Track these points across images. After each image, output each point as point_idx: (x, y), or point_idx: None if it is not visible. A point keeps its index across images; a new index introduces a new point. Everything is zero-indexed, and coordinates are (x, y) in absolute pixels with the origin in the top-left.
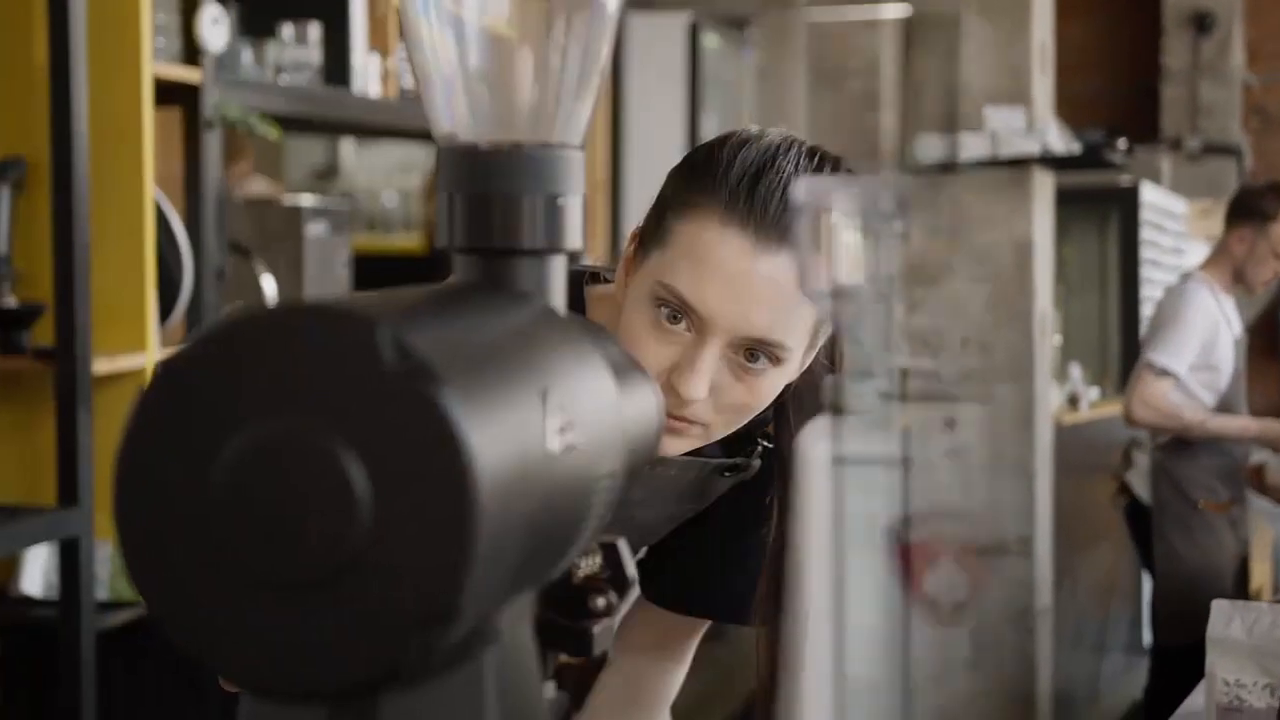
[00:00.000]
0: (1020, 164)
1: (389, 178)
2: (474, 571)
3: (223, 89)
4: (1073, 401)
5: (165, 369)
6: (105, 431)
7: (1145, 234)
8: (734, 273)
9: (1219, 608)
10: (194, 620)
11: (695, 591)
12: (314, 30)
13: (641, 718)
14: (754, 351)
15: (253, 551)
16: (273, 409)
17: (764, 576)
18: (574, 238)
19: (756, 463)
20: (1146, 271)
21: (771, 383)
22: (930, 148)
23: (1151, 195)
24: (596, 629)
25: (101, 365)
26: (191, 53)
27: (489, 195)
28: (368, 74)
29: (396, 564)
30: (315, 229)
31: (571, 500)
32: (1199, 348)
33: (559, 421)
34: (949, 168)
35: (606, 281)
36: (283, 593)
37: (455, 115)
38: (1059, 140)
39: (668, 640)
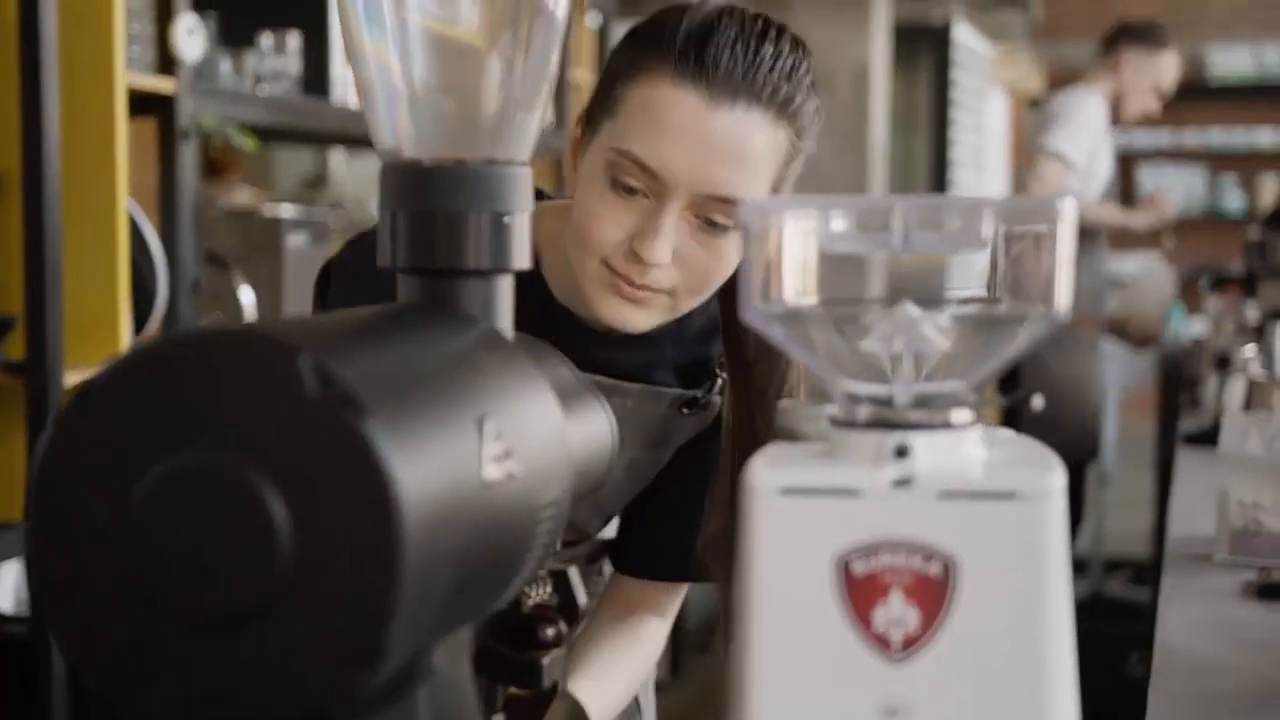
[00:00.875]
0: None
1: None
2: (401, 608)
3: (199, 99)
4: None
5: (83, 393)
6: None
7: (954, 75)
8: (690, 130)
9: (1232, 421)
10: (109, 658)
11: (666, 557)
12: (293, 40)
13: (635, 664)
14: (713, 218)
15: (170, 586)
16: (192, 437)
17: (719, 520)
18: (521, 257)
19: (717, 399)
20: (952, 113)
21: (735, 246)
22: None
23: (963, 36)
24: (546, 660)
25: (74, 379)
26: (167, 63)
27: (433, 213)
28: (348, 84)
29: (319, 601)
30: (296, 240)
31: (511, 530)
32: (1089, 149)
33: (497, 449)
34: None
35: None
36: (201, 630)
37: (399, 130)
38: None
39: (649, 596)
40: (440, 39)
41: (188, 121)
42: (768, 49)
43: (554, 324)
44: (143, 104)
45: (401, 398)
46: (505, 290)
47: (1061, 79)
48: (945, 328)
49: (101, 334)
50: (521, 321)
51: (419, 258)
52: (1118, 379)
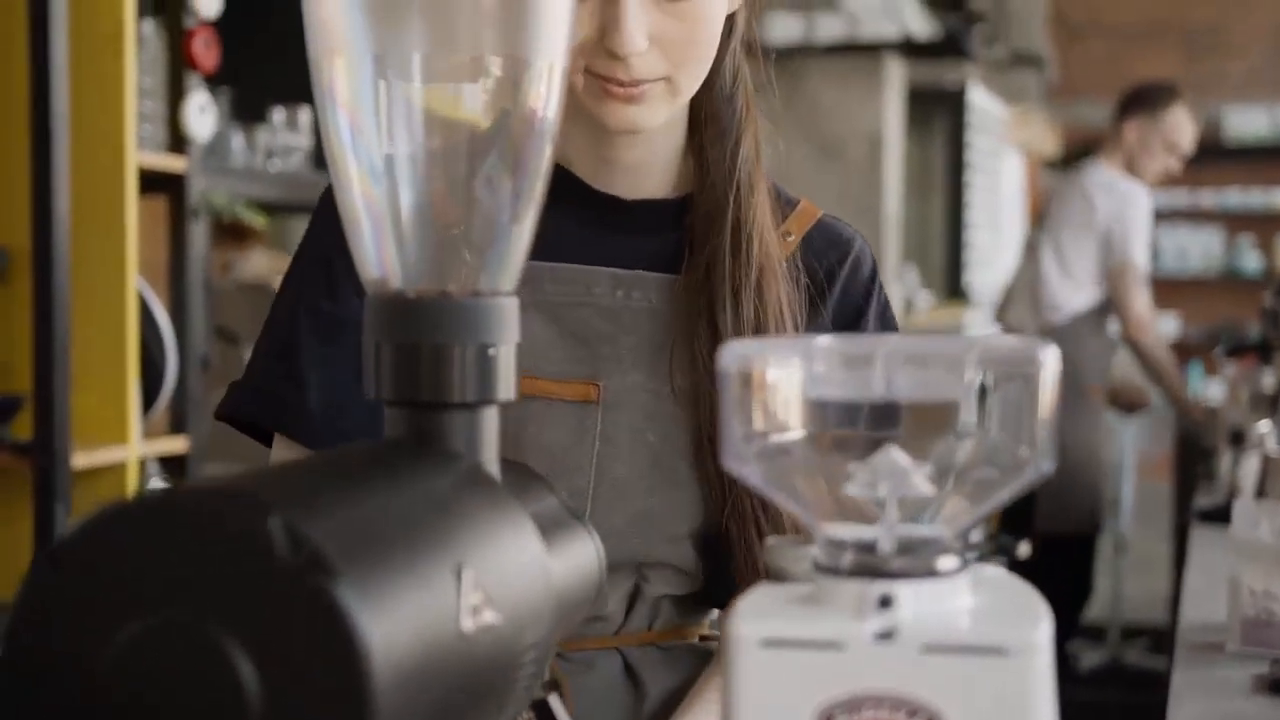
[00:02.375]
0: (873, 50)
1: None
2: None
3: (210, 176)
4: (907, 306)
5: (53, 553)
6: None
7: (969, 137)
8: None
9: (1243, 508)
10: None
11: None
12: (305, 115)
13: None
14: None
15: None
16: (161, 600)
17: None
18: (507, 388)
19: None
20: (967, 175)
21: (709, 3)
22: (784, 27)
23: (978, 98)
24: None
25: (81, 459)
26: (179, 141)
27: (417, 345)
28: None
29: None
30: None
31: (491, 679)
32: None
33: (475, 599)
34: (801, 50)
35: None
36: None
37: (384, 261)
38: (918, 21)
39: None
40: (426, 169)
41: (198, 199)
42: None
43: (561, 197)
44: (154, 182)
45: (375, 555)
46: (490, 422)
47: (1077, 139)
48: (930, 474)
49: (110, 414)
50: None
51: (403, 390)
52: (1135, 443)
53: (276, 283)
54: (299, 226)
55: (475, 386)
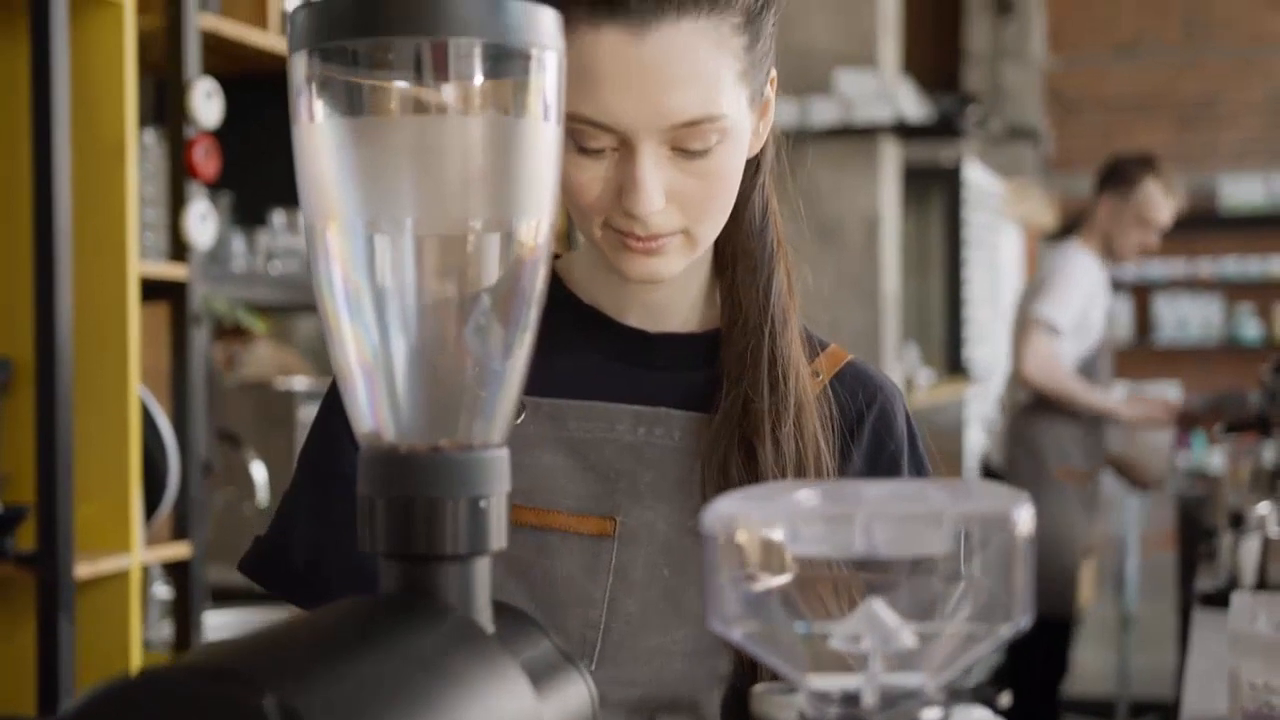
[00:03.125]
0: (868, 132)
1: None
2: None
3: (211, 282)
4: (908, 385)
5: None
6: (87, 639)
7: (966, 213)
8: (622, 70)
9: (1240, 601)
10: None
11: None
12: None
13: None
14: (689, 146)
15: None
16: None
17: None
18: (499, 538)
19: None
20: (965, 252)
21: (728, 159)
22: (779, 112)
23: (974, 174)
24: None
25: (84, 569)
26: (180, 248)
27: (410, 500)
28: None
29: None
30: (308, 412)
31: None
32: (1081, 307)
33: None
34: (797, 134)
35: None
36: None
37: (377, 416)
38: (912, 105)
39: None
40: (418, 327)
41: (199, 306)
42: None
43: (587, 333)
44: (155, 289)
45: None
46: (483, 572)
47: (1074, 210)
48: (913, 627)
49: (113, 523)
50: (555, 334)
51: (397, 544)
52: (1139, 516)
53: (279, 382)
54: (300, 324)
55: (467, 539)
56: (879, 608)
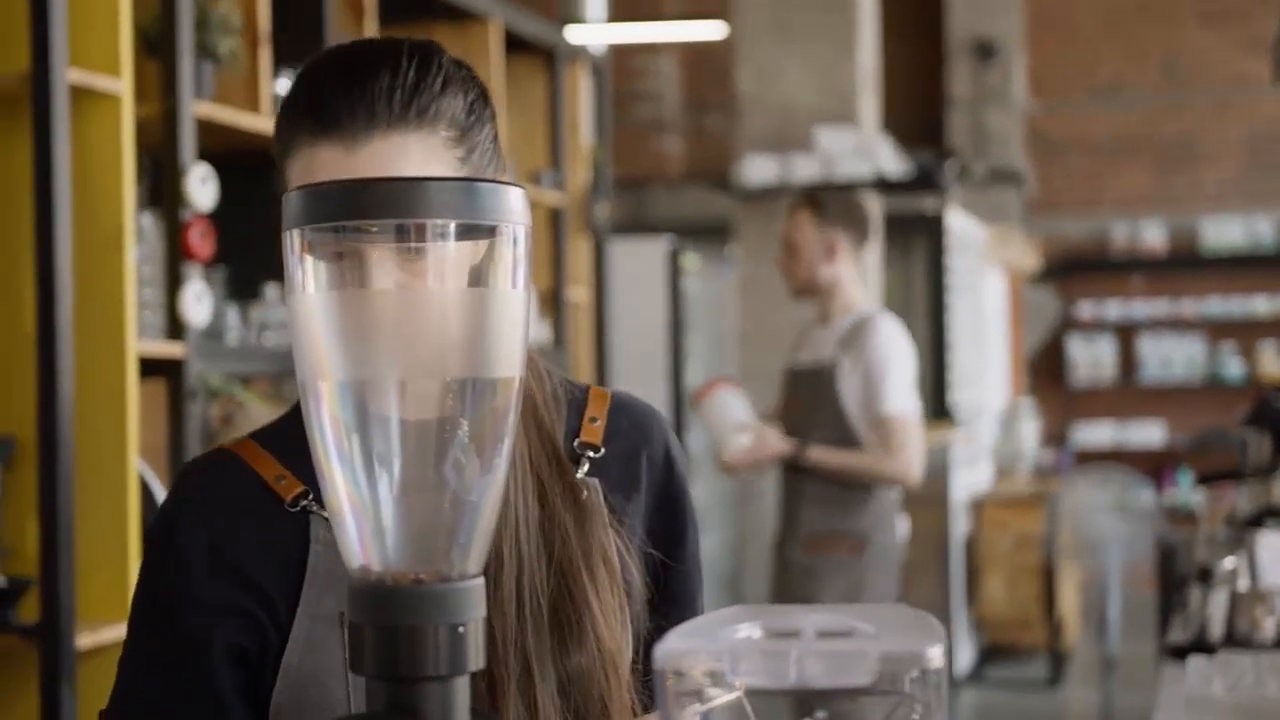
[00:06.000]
0: (850, 188)
1: None
2: None
3: (206, 357)
4: None
5: None
6: (89, 708)
7: (948, 260)
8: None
9: (1197, 664)
10: None
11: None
12: None
13: None
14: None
15: None
16: None
17: None
18: (476, 659)
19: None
20: (948, 297)
21: (445, 262)
22: (759, 169)
23: (956, 222)
24: None
25: (85, 639)
26: (176, 327)
27: (395, 628)
28: None
29: None
30: None
31: None
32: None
33: None
34: (779, 190)
35: None
36: None
37: (366, 550)
38: (891, 161)
39: None
40: (402, 473)
41: (195, 382)
42: (381, 75)
43: None
44: (153, 366)
45: None
46: (462, 690)
47: (1057, 253)
48: None
49: (113, 594)
50: None
51: (383, 667)
52: (1120, 557)
53: None
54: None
55: (448, 661)
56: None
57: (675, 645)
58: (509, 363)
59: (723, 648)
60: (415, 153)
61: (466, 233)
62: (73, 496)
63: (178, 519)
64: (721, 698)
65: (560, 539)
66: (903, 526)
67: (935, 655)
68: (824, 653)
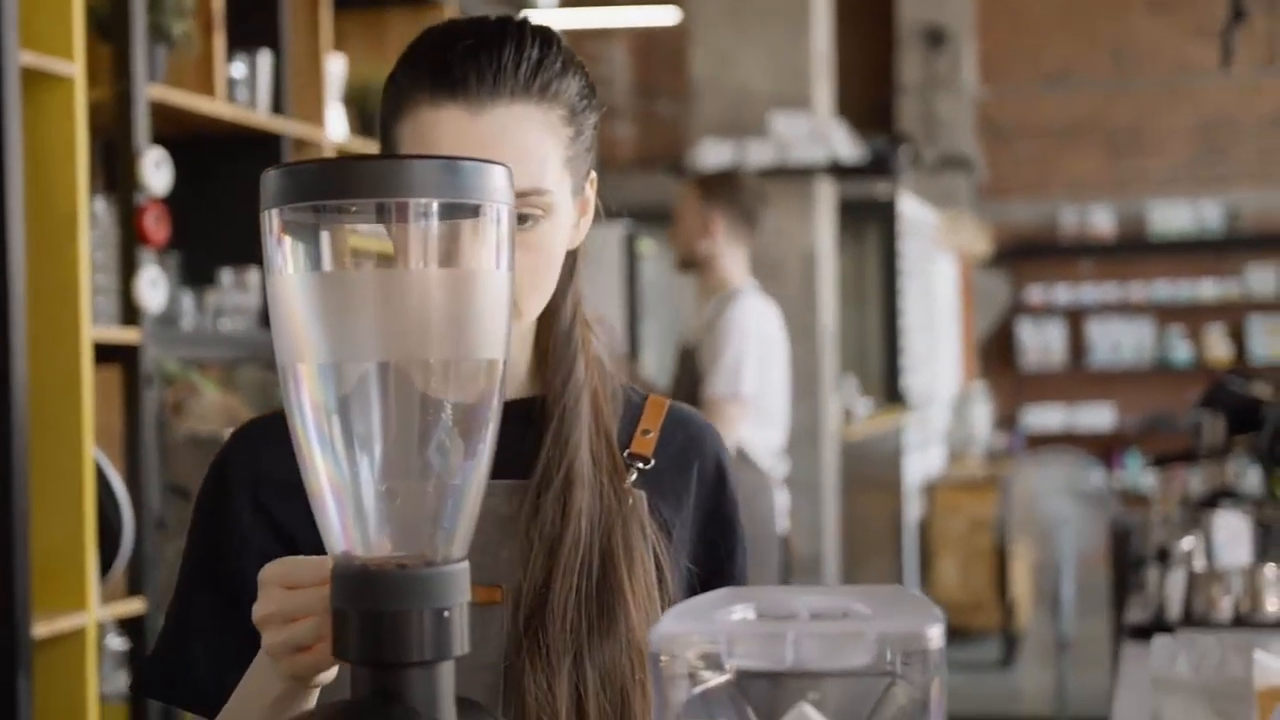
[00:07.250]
0: (805, 173)
1: None
2: None
3: (161, 343)
4: (847, 415)
5: None
6: (45, 696)
7: (900, 245)
8: (458, 142)
9: (1161, 643)
10: None
11: None
12: (253, 275)
13: None
14: (518, 211)
15: None
16: None
17: None
18: (461, 644)
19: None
20: (900, 282)
21: (551, 234)
22: (714, 154)
23: (908, 207)
24: None
25: (41, 628)
26: (131, 313)
27: (379, 613)
28: None
29: None
30: None
31: None
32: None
33: None
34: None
35: None
36: None
37: (348, 535)
38: (846, 146)
39: None
40: (383, 457)
41: (150, 367)
42: (507, 47)
43: None
44: (107, 352)
45: None
46: (447, 675)
47: (1008, 238)
48: None
49: (69, 582)
50: None
51: (368, 652)
52: (1074, 540)
53: (226, 434)
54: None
55: (432, 646)
56: (809, 710)
57: (670, 628)
58: (492, 344)
59: (718, 630)
60: (535, 124)
61: (449, 212)
62: (28, 484)
63: (229, 463)
64: (715, 680)
65: (606, 530)
66: (781, 500)
67: (934, 635)
68: (821, 634)
